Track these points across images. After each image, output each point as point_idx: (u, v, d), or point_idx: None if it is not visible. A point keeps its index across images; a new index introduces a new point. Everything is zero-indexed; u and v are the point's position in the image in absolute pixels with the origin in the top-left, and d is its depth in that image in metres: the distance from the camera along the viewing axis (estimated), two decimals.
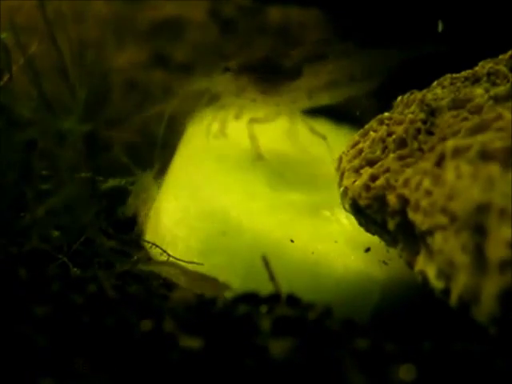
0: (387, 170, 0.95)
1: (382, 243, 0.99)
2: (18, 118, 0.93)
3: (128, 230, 1.09)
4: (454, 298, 0.84)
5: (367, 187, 0.96)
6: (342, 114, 1.31)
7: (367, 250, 1.05)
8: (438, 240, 0.85)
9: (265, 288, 0.92)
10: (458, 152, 0.87)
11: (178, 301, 0.84)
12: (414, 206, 0.89)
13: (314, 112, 1.26)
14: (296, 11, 1.49)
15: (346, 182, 0.99)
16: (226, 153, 1.16)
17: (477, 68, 1.01)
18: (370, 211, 0.95)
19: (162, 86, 1.37)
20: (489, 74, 0.99)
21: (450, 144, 0.88)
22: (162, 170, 1.17)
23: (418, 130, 0.96)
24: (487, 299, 0.80)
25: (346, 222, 1.07)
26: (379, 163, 0.96)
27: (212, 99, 1.19)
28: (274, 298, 0.89)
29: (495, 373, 0.76)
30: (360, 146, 1.00)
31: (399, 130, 0.97)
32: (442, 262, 0.85)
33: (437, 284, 0.87)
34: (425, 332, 0.89)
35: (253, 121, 1.16)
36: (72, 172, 0.96)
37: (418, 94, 1.00)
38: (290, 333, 0.79)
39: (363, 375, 0.74)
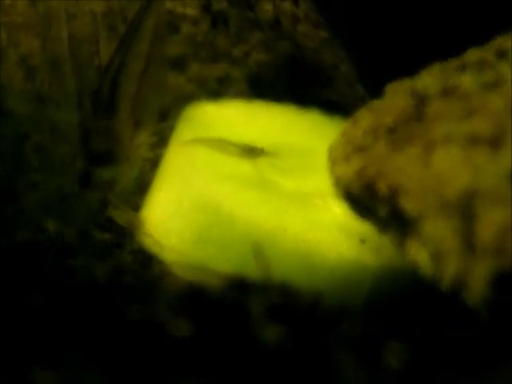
0: (377, 158, 0.95)
1: (375, 231, 0.99)
2: (10, 111, 0.93)
3: (121, 220, 1.09)
4: (445, 283, 0.85)
5: (358, 175, 0.96)
6: (334, 104, 1.31)
7: (363, 241, 1.05)
8: (428, 225, 0.86)
9: (258, 278, 0.92)
10: (447, 138, 0.88)
11: (169, 288, 0.84)
12: (404, 192, 0.89)
13: (307, 103, 1.26)
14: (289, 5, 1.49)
15: (337, 171, 0.99)
16: (219, 144, 1.16)
17: (465, 56, 1.02)
18: (361, 199, 0.96)
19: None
20: (477, 62, 0.99)
21: (440, 130, 0.89)
22: (155, 161, 1.17)
23: (408, 118, 0.96)
24: (478, 283, 0.80)
25: (339, 210, 1.07)
26: (369, 151, 0.97)
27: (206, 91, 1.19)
28: (266, 286, 0.90)
29: (485, 355, 0.76)
30: (350, 134, 1.00)
31: (389, 118, 0.97)
32: (433, 247, 0.85)
33: (428, 269, 0.87)
34: (418, 319, 0.89)
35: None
36: (65, 163, 0.96)
37: (407, 82, 1.01)
38: (281, 320, 0.80)
39: (355, 360, 0.74)
